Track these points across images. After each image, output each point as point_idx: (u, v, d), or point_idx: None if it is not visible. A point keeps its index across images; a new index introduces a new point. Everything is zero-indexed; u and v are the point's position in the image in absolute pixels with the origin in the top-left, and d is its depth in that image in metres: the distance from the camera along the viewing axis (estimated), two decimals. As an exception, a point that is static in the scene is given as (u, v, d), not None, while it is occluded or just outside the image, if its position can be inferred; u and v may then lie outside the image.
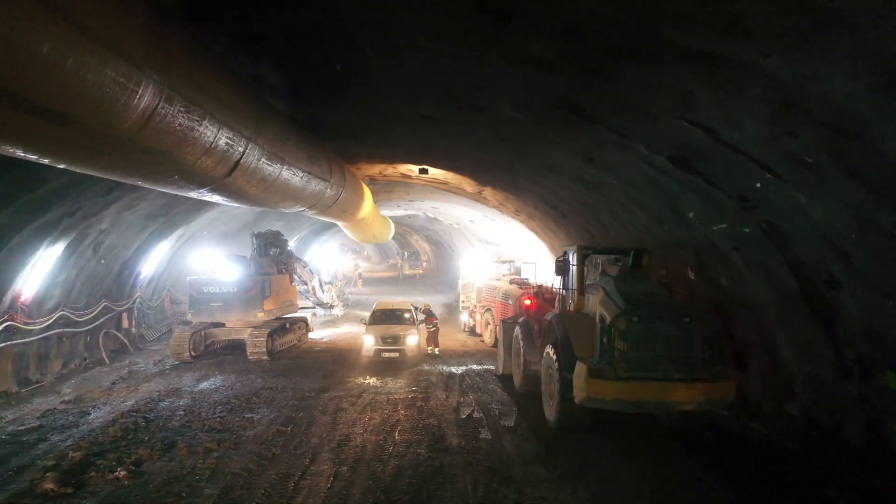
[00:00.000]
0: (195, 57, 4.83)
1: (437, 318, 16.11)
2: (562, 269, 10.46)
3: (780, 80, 4.71)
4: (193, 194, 6.74)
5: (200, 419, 9.56)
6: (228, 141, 5.62)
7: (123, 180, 5.65)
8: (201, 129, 4.96)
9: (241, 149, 6.01)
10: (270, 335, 14.91)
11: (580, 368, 8.13)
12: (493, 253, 25.20)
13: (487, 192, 16.76)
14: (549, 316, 10.37)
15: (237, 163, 6.08)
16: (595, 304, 8.92)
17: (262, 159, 6.78)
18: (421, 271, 47.54)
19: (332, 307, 23.11)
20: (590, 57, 5.56)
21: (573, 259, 10.12)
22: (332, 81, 8.32)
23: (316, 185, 9.88)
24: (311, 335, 18.60)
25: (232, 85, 5.79)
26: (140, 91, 3.92)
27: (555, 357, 9.07)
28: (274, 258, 17.41)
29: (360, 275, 36.89)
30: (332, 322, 22.36)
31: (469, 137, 11.08)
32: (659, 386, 7.85)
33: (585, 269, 10.16)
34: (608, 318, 8.25)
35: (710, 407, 8.27)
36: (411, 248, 50.73)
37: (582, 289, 9.86)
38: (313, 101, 9.32)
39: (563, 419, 8.80)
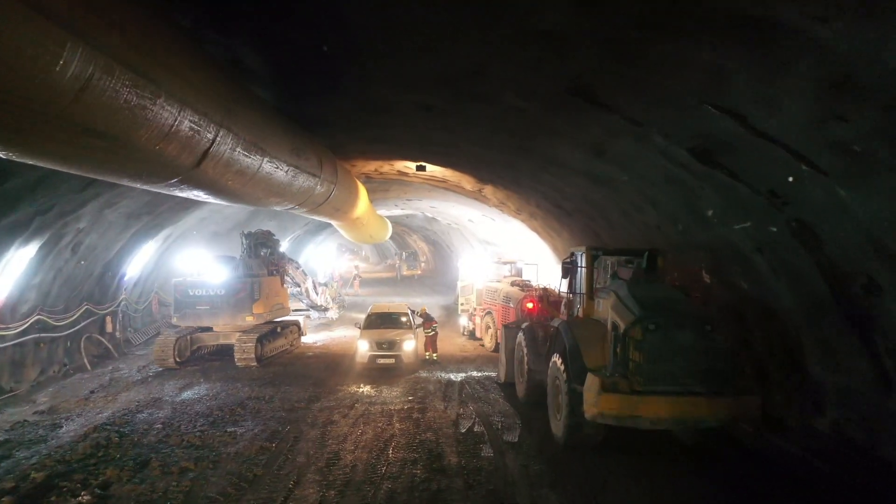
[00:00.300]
0: (143, 21, 4.10)
1: (435, 322, 15.39)
2: (569, 271, 9.73)
3: (836, 52, 4.01)
4: (161, 188, 6.02)
5: (179, 434, 8.90)
6: (193, 125, 4.89)
7: (72, 170, 4.90)
8: (156, 108, 4.23)
9: (210, 135, 5.28)
10: (259, 340, 14.23)
11: (591, 381, 7.41)
12: (494, 254, 24.52)
13: (488, 190, 16.08)
14: (555, 322, 9.66)
15: (206, 151, 5.36)
16: (606, 309, 8.21)
17: (238, 149, 6.06)
18: (419, 272, 47.08)
19: (326, 310, 22.44)
20: (609, 29, 4.84)
21: (581, 261, 9.43)
22: (320, 67, 7.60)
23: (304, 181, 9.18)
24: (303, 339, 17.92)
25: (196, 61, 5.05)
26: (64, 55, 3.19)
27: (562, 367, 8.38)
28: (264, 259, 16.75)
29: (356, 276, 36.00)
30: (327, 325, 21.68)
31: (469, 131, 10.37)
32: (678, 401, 7.14)
33: (595, 271, 9.45)
34: (622, 326, 7.54)
35: (734, 423, 7.58)
36: (409, 249, 50.19)
37: (591, 293, 9.16)
38: (299, 89, 8.59)
39: (571, 435, 8.10)
